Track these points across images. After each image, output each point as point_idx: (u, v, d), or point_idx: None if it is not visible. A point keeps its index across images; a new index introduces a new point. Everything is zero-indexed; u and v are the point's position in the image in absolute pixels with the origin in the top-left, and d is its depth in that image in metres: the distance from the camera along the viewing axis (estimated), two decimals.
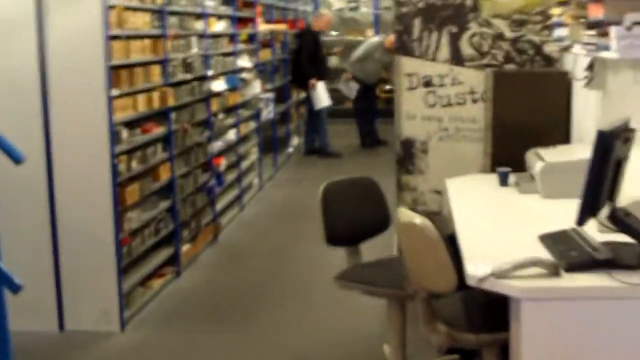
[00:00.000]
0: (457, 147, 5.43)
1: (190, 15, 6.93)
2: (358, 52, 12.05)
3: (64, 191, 5.25)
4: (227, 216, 8.05)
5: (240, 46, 8.74)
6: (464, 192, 4.40)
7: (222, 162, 7.81)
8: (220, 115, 7.86)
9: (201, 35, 7.22)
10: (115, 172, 5.25)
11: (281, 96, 11.09)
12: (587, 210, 3.08)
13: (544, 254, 3.12)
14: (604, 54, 3.51)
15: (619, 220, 3.17)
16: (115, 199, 5.27)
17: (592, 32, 3.72)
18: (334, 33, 14.92)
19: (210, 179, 7.43)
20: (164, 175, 6.22)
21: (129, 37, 5.55)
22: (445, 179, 4.70)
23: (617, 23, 3.34)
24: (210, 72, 7.42)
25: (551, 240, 3.31)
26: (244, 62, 8.77)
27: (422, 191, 5.55)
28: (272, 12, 10.84)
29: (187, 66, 6.82)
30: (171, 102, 6.28)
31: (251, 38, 9.32)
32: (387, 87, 13.82)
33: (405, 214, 3.37)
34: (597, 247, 3.13)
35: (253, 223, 8.20)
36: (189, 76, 6.81)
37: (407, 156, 5.54)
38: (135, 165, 5.61)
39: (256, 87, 9.20)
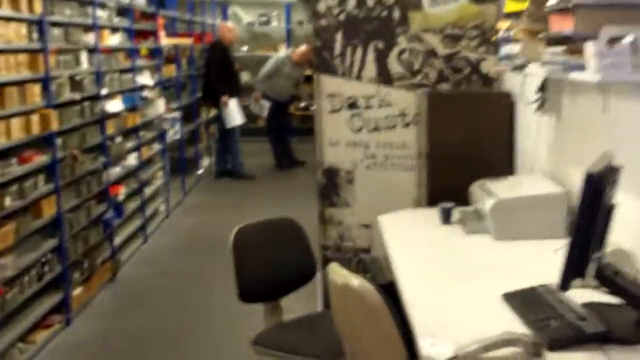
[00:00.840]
0: (387, 176, 4.69)
1: (77, 27, 6.03)
2: (266, 68, 11.28)
3: None
4: (127, 251, 7.14)
5: (140, 62, 7.86)
6: (401, 232, 3.66)
7: (121, 191, 6.91)
8: (118, 139, 6.97)
9: (92, 50, 6.33)
10: None
11: (189, 115, 10.22)
12: (573, 272, 2.38)
13: (513, 321, 2.43)
14: (576, 75, 2.81)
15: (609, 280, 2.48)
16: None
17: (557, 49, 3.02)
18: (244, 48, 14.11)
19: (107, 211, 6.53)
20: (48, 210, 5.30)
21: None
22: (377, 216, 3.97)
23: (591, 38, 2.64)
24: (104, 91, 6.53)
25: (519, 301, 2.61)
26: (145, 79, 7.89)
27: (348, 225, 4.79)
28: (176, 25, 9.95)
29: (75, 84, 5.92)
30: (55, 125, 5.38)
31: (154, 53, 8.44)
32: (302, 104, 13.07)
33: (338, 274, 2.59)
34: (581, 315, 2.45)
35: (158, 257, 7.30)
36: (77, 96, 5.91)
37: (331, 186, 4.77)
38: (9, 202, 4.69)
39: (160, 106, 8.32)
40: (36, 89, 5.15)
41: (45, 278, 5.24)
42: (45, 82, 5.31)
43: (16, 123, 4.86)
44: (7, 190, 4.72)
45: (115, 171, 6.86)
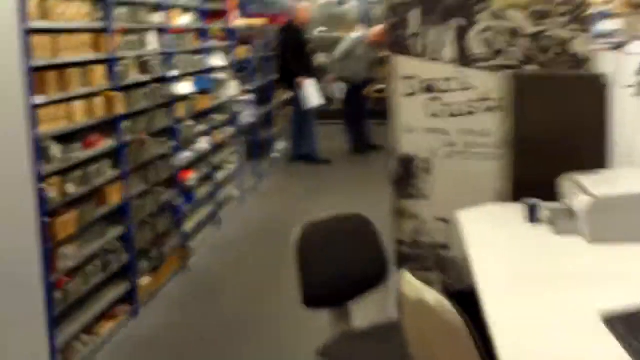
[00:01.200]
0: (467, 166, 4.31)
1: (144, 6, 5.80)
2: (339, 50, 10.92)
3: None
4: (199, 238, 6.92)
5: (213, 43, 7.61)
6: (482, 230, 3.30)
7: (191, 176, 6.69)
8: (188, 122, 6.74)
9: (161, 30, 6.10)
10: (42, 200, 4.14)
11: (264, 97, 9.96)
12: None
13: (615, 349, 2.05)
14: None
15: None
16: (44, 233, 4.16)
17: None
18: (319, 29, 13.77)
19: (176, 197, 6.32)
20: (114, 197, 5.10)
21: (59, 31, 4.43)
22: (456, 209, 3.61)
23: None
24: (173, 73, 6.30)
25: (625, 327, 2.20)
26: (217, 60, 7.65)
27: (425, 219, 4.44)
28: (251, 6, 9.67)
29: (142, 66, 5.71)
30: (121, 108, 5.16)
31: (228, 34, 8.19)
32: (377, 86, 12.67)
33: (411, 286, 2.26)
34: None
35: (230, 246, 7.07)
36: (144, 78, 5.69)
37: (406, 176, 4.43)
38: (72, 188, 4.50)
39: (233, 89, 8.08)
40: (100, 70, 4.94)
41: (111, 267, 5.05)
42: (110, 63, 5.10)
43: (79, 106, 4.65)
44: (70, 177, 4.52)
45: (185, 156, 6.64)
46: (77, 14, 4.66)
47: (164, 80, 6.11)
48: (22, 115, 4.02)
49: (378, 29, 10.67)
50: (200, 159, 7.08)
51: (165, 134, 6.17)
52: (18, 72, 3.99)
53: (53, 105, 4.34)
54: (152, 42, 5.90)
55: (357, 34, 11.22)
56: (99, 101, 4.88)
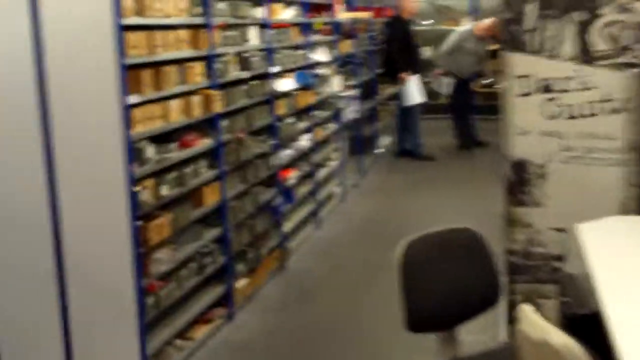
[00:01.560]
0: (588, 172, 3.92)
1: (245, 0, 5.60)
2: (447, 43, 10.50)
3: (73, 230, 4.00)
4: (298, 238, 6.71)
5: (315, 37, 7.38)
6: (608, 247, 2.95)
7: (292, 175, 6.48)
8: (289, 119, 6.53)
9: (262, 25, 5.90)
10: (134, 203, 3.98)
11: (368, 92, 9.68)
12: None
13: None
14: None
15: None
16: (136, 238, 4.01)
17: None
18: (425, 22, 13.36)
19: (276, 196, 6.11)
20: (211, 198, 4.93)
21: (155, 28, 4.27)
22: (573, 218, 3.27)
23: None
24: (274, 69, 6.10)
25: None
26: (320, 56, 7.41)
27: (538, 228, 4.07)
28: None
29: (243, 62, 5.51)
30: (219, 107, 4.98)
31: (333, 28, 7.94)
32: (485, 81, 12.20)
33: (533, 324, 1.94)
34: None
35: (330, 247, 6.83)
36: (245, 74, 5.50)
37: (519, 183, 4.07)
38: (166, 190, 4.33)
39: (336, 84, 7.83)
40: (198, 67, 4.77)
41: (207, 270, 4.88)
42: (209, 60, 4.92)
43: (176, 105, 4.49)
44: (165, 178, 4.36)
45: (286, 154, 6.43)
46: (175, 10, 4.48)
47: (264, 76, 5.91)
48: (116, 116, 3.87)
49: (488, 21, 10.23)
50: (301, 157, 6.86)
51: (265, 132, 5.97)
52: (112, 70, 3.83)
53: (148, 105, 4.19)
54: (253, 38, 5.70)
55: (465, 26, 10.80)
56: (196, 100, 4.71)
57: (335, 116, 8.03)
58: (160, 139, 4.40)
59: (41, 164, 3.95)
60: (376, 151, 10.14)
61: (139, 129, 4.08)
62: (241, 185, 5.45)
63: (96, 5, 3.79)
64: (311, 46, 7.17)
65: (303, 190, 6.89)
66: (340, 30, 8.23)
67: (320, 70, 7.43)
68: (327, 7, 7.83)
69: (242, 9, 5.46)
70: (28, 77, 3.89)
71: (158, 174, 4.32)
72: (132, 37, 4.00)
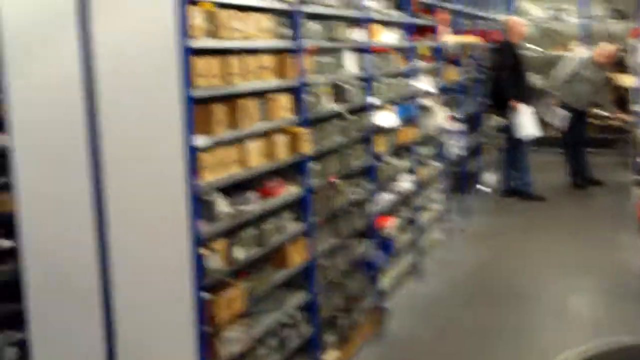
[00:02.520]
0: None
1: (341, 20, 4.75)
2: (563, 71, 9.42)
3: (125, 305, 3.22)
4: (397, 296, 5.78)
5: (419, 64, 6.48)
6: None
7: (391, 222, 5.57)
8: (389, 159, 5.64)
9: (360, 50, 5.03)
10: (200, 270, 3.15)
11: (472, 124, 8.71)
12: None
13: None
14: None
15: None
16: (201, 314, 3.16)
17: None
18: (533, 47, 12.27)
19: (373, 249, 5.22)
20: (296, 257, 4.06)
21: (231, 52, 3.45)
22: None
23: None
24: (374, 100, 5.22)
25: None
26: (424, 84, 6.51)
27: None
28: (461, 21, 8.41)
29: (337, 93, 4.66)
30: (309, 147, 4.12)
31: (437, 53, 7.04)
32: (602, 112, 11.01)
33: None
34: None
35: (434, 304, 5.86)
36: (340, 107, 4.64)
37: None
38: (241, 253, 3.49)
39: (440, 117, 6.90)
40: (284, 100, 3.93)
41: (289, 345, 4.01)
42: (297, 91, 4.08)
43: (256, 146, 3.65)
44: (241, 237, 3.52)
45: (385, 199, 5.53)
46: (257, 30, 3.66)
47: (362, 109, 5.04)
48: (179, 162, 3.06)
49: (609, 48, 9.15)
50: (401, 202, 5.95)
51: (361, 175, 5.10)
52: (175, 105, 3.03)
53: (221, 148, 3.36)
54: (350, 64, 4.85)
55: (582, 53, 9.71)
56: (281, 140, 3.86)
57: (439, 153, 7.09)
58: (236, 188, 3.57)
59: (90, 223, 3.21)
60: (480, 190, 9.12)
61: (209, 178, 3.25)
62: (332, 239, 4.57)
63: (157, 23, 3.01)
64: (414, 74, 6.27)
65: (403, 238, 5.97)
66: (444, 56, 7.30)
67: (424, 101, 6.52)
68: (431, 30, 6.92)
69: (337, 30, 4.60)
70: (76, 115, 3.17)
71: (232, 233, 3.49)
72: (202, 63, 3.18)
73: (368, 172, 5.20)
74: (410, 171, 6.15)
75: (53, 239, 3.30)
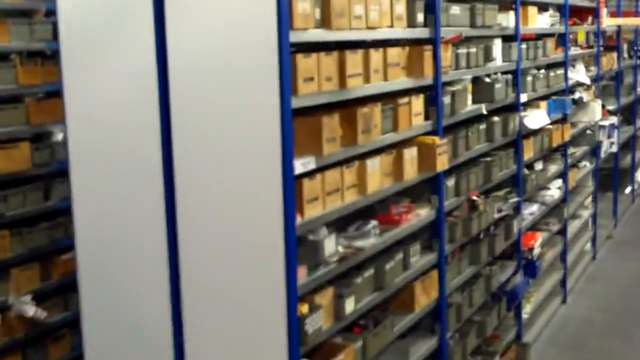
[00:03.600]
0: None
1: (487, 2, 3.78)
2: None
3: None
4: (538, 323, 4.81)
5: (574, 51, 5.42)
6: None
7: (537, 240, 4.59)
8: (538, 165, 4.65)
9: (508, 38, 4.07)
10: (296, 333, 2.32)
11: (627, 118, 7.52)
12: None
13: None
14: None
15: None
16: None
17: None
18: None
19: (515, 273, 4.28)
20: (423, 298, 3.18)
21: (347, 46, 2.59)
22: None
23: None
24: (523, 98, 4.25)
25: None
26: (580, 75, 5.44)
27: None
28: (619, 1, 7.19)
29: (481, 91, 3.73)
30: (444, 161, 3.21)
31: (595, 39, 5.95)
32: None
33: None
34: None
35: (582, 332, 4.88)
36: (481, 109, 3.71)
37: None
38: (351, 305, 2.64)
39: (596, 111, 5.80)
40: (417, 105, 3.04)
41: None
42: (432, 92, 3.19)
43: (378, 165, 2.78)
44: (353, 283, 2.68)
45: (530, 212, 4.57)
46: (385, 18, 2.77)
47: (508, 109, 4.09)
48: (275, 192, 2.24)
49: None
50: (549, 212, 4.95)
51: (505, 186, 4.15)
52: (270, 118, 2.21)
53: (331, 171, 2.51)
54: (497, 55, 3.89)
55: None
56: (410, 154, 2.98)
57: (593, 152, 6.02)
58: (350, 216, 2.73)
59: (166, 279, 2.44)
60: (631, 189, 7.92)
61: (314, 211, 2.42)
62: (469, 268, 3.67)
63: (249, 12, 2.18)
64: (569, 64, 5.21)
65: (549, 255, 4.98)
66: (602, 42, 6.19)
67: (578, 95, 5.46)
68: (588, 12, 5.82)
69: (485, 14, 3.64)
70: (152, 133, 2.40)
71: (343, 276, 2.66)
72: (308, 62, 2.33)
73: (514, 183, 4.24)
74: (561, 176, 5.13)
75: (126, 296, 2.56)
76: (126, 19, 2.39)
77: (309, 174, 2.41)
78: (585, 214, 5.99)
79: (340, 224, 2.81)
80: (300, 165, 2.32)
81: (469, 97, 3.66)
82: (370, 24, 2.68)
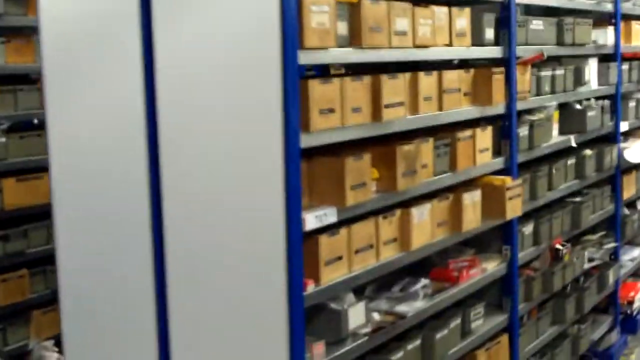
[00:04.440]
0: None
1: (577, 14, 3.16)
2: None
3: None
4: None
5: None
6: None
7: (637, 292, 3.90)
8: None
9: (606, 57, 3.42)
10: None
11: None
12: None
13: None
14: None
15: None
16: None
17: None
18: None
19: (610, 332, 3.61)
20: None
21: (382, 68, 2.06)
22: None
23: None
24: (624, 127, 3.60)
25: None
26: None
27: None
28: None
29: (570, 120, 3.11)
30: (518, 206, 2.61)
31: None
32: None
33: None
34: None
35: None
36: (570, 140, 3.08)
37: None
38: None
39: None
40: (483, 138, 2.47)
41: None
42: (506, 122, 2.61)
43: (430, 208, 2.23)
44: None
45: (631, 257, 3.89)
46: (441, 34, 2.23)
47: (604, 140, 3.45)
48: (276, 252, 1.74)
49: None
50: None
51: (599, 229, 3.50)
52: (273, 160, 1.71)
53: (359, 223, 1.99)
54: (591, 78, 3.27)
55: None
56: (470, 198, 2.40)
57: None
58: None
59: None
60: None
61: (333, 275, 1.90)
62: (551, 329, 3.04)
63: (250, 30, 1.70)
64: None
65: None
66: None
67: None
68: None
69: (576, 30, 3.02)
70: (139, 170, 1.94)
71: (376, 352, 2.12)
72: (323, 90, 1.82)
73: (611, 226, 3.58)
74: None
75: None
76: (112, 49, 1.93)
77: (330, 228, 1.89)
78: None
79: (386, 281, 2.29)
80: (314, 218, 1.81)
81: (555, 127, 3.06)
82: (420, 42, 2.14)
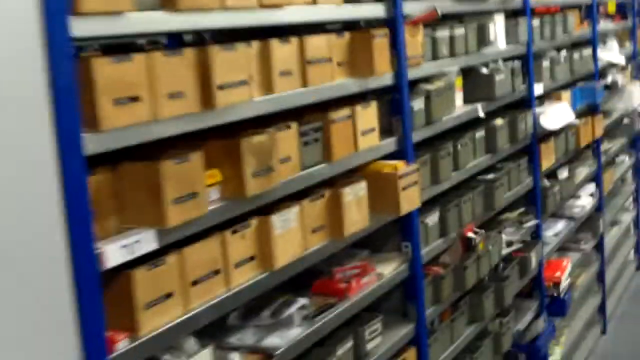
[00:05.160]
0: None
1: None
2: None
3: None
4: None
5: (607, 26, 4.29)
6: None
7: (565, 270, 3.49)
8: (562, 173, 3.55)
9: (515, 13, 2.97)
10: None
11: None
12: None
13: None
14: None
15: None
16: None
17: None
18: None
19: (536, 318, 3.21)
20: None
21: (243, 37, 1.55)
22: None
23: None
24: (538, 90, 3.16)
25: None
26: (612, 54, 4.30)
27: None
28: None
29: (474, 87, 2.65)
30: (414, 196, 2.13)
31: (627, 8, 4.81)
32: None
33: None
34: None
35: None
36: (477, 110, 2.62)
37: None
38: None
39: (633, 96, 4.65)
40: (366, 116, 1.98)
41: None
42: (394, 95, 2.12)
43: (298, 213, 1.74)
44: None
45: (553, 233, 3.48)
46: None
47: (517, 106, 3.01)
48: (60, 302, 1.21)
49: None
50: (579, 228, 3.85)
51: (518, 205, 3.07)
52: (46, 172, 1.18)
53: (196, 244, 1.48)
54: (498, 38, 2.80)
55: None
56: (353, 194, 1.91)
57: (632, 144, 4.90)
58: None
59: None
60: None
61: (159, 320, 1.39)
62: (468, 329, 2.60)
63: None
64: (599, 41, 4.09)
65: (582, 279, 3.89)
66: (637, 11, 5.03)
67: (611, 78, 4.33)
68: None
69: None
70: None
71: None
72: (115, 71, 1.30)
73: (530, 201, 3.16)
74: (593, 179, 4.03)
75: None
76: None
77: (151, 257, 1.38)
78: (626, 217, 4.87)
79: (258, 303, 1.79)
80: (120, 249, 1.29)
81: (458, 96, 2.60)
82: (268, 1, 1.63)
